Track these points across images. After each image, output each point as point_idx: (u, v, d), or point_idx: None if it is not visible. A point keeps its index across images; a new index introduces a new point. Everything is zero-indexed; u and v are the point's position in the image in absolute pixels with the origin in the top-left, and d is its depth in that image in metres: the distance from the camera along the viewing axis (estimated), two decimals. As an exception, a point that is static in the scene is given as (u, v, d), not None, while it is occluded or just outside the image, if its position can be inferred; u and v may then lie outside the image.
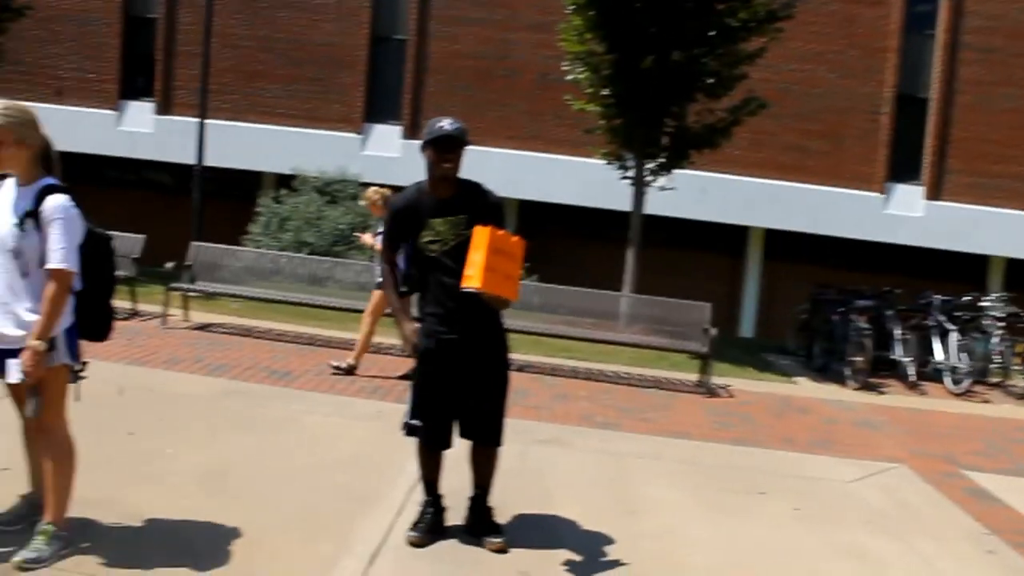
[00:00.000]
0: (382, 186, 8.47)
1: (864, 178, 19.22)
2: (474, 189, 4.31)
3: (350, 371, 8.13)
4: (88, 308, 3.75)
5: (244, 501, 4.62)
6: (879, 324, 11.09)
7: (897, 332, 11.02)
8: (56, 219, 3.55)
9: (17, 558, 3.56)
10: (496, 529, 4.43)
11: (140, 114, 19.97)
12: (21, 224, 3.55)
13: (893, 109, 19.17)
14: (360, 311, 9.73)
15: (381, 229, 8.04)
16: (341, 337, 9.93)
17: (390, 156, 19.02)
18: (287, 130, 19.38)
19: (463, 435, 4.39)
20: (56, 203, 3.57)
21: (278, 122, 19.53)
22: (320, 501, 4.75)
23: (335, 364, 8.17)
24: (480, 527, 4.44)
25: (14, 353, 3.57)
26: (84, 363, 3.81)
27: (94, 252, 3.73)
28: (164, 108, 19.89)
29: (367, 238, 8.53)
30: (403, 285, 8.24)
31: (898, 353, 10.90)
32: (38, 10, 14.47)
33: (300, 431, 6.14)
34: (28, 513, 3.93)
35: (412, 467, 5.33)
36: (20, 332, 3.56)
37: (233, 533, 4.17)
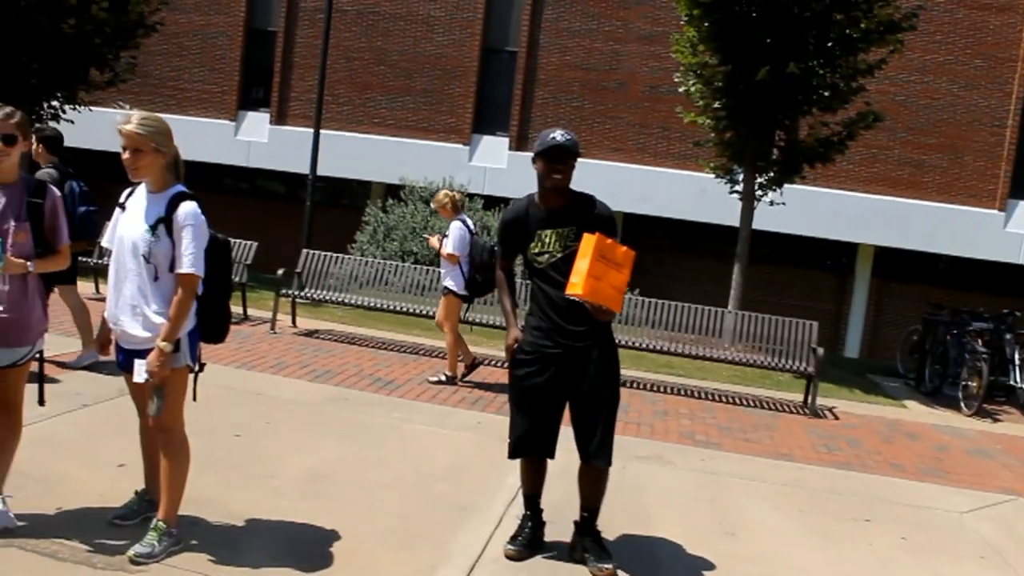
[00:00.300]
0: (457, 192, 8.46)
1: (984, 194, 18.47)
2: (586, 201, 4.24)
3: (452, 381, 8.22)
4: (207, 311, 3.89)
5: (345, 506, 4.71)
6: (996, 348, 10.63)
7: (1016, 357, 10.54)
8: (188, 225, 3.70)
9: (131, 552, 3.71)
10: (606, 554, 4.27)
11: (256, 124, 20.65)
12: (153, 230, 3.71)
13: (1018, 122, 18.35)
14: (462, 322, 9.83)
15: (448, 232, 8.10)
16: (443, 346, 10.01)
17: (497, 167, 19.19)
18: (396, 140, 19.74)
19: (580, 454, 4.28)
20: (188, 210, 3.72)
21: (388, 132, 19.92)
22: (419, 510, 4.81)
23: (432, 379, 8.26)
24: (588, 551, 4.29)
25: (140, 354, 3.72)
26: (202, 364, 3.97)
27: (215, 257, 3.87)
28: (278, 118, 20.50)
29: (434, 241, 8.57)
30: (466, 290, 8.20)
31: (1016, 379, 10.42)
32: (166, 26, 15.10)
33: (401, 439, 6.22)
34: (142, 509, 4.10)
35: (512, 479, 5.36)
36: (147, 334, 3.72)
37: (333, 537, 4.25)
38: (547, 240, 4.19)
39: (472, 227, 8.25)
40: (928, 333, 11.87)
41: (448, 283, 8.23)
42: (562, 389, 4.22)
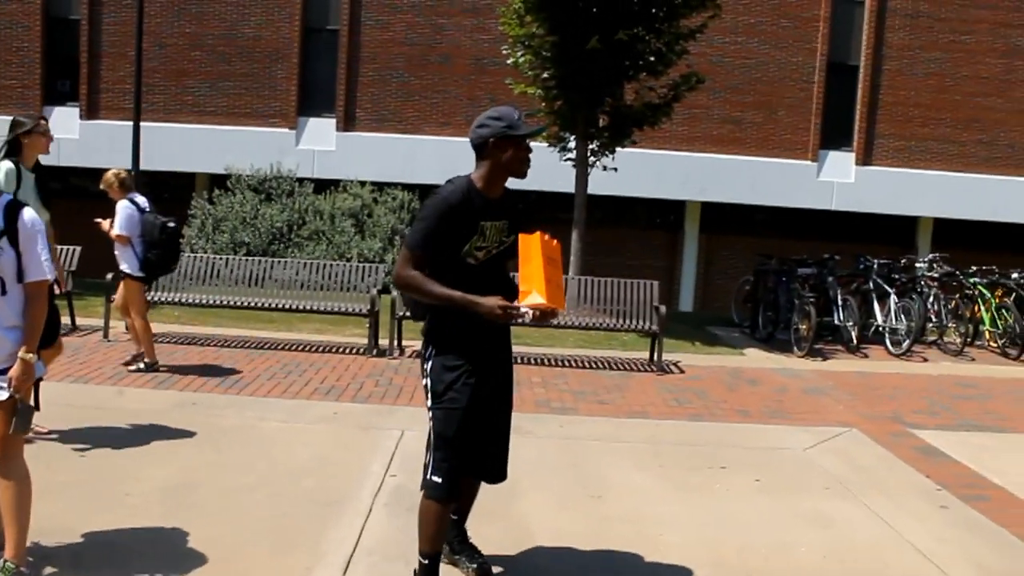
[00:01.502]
0: (123, 170, 8.04)
1: (797, 147, 19.56)
2: (516, 193, 3.83)
3: (153, 368, 7.83)
4: None
5: (210, 516, 4.54)
6: (821, 291, 11.31)
7: (839, 298, 11.24)
8: (37, 231, 3.53)
9: (-24, 601, 3.44)
10: (477, 553, 4.03)
11: (65, 120, 19.41)
12: None
13: (824, 77, 19.52)
14: (302, 311, 9.63)
15: (116, 215, 7.66)
16: (288, 338, 9.80)
17: (325, 149, 18.83)
18: (219, 128, 19.05)
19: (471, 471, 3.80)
20: (32, 216, 3.54)
21: (209, 121, 19.19)
22: (287, 509, 4.69)
23: (131, 368, 7.85)
24: (457, 553, 4.02)
25: None
26: (39, 377, 3.70)
27: None
28: (89, 112, 19.39)
29: (104, 224, 8.04)
30: (142, 271, 7.67)
31: (840, 318, 11.12)
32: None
33: (258, 439, 6.04)
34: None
35: (376, 468, 5.35)
36: None
37: (203, 550, 4.08)
38: (489, 234, 3.61)
39: (144, 205, 7.77)
40: (759, 282, 12.49)
41: (123, 267, 7.82)
42: (484, 403, 3.68)
